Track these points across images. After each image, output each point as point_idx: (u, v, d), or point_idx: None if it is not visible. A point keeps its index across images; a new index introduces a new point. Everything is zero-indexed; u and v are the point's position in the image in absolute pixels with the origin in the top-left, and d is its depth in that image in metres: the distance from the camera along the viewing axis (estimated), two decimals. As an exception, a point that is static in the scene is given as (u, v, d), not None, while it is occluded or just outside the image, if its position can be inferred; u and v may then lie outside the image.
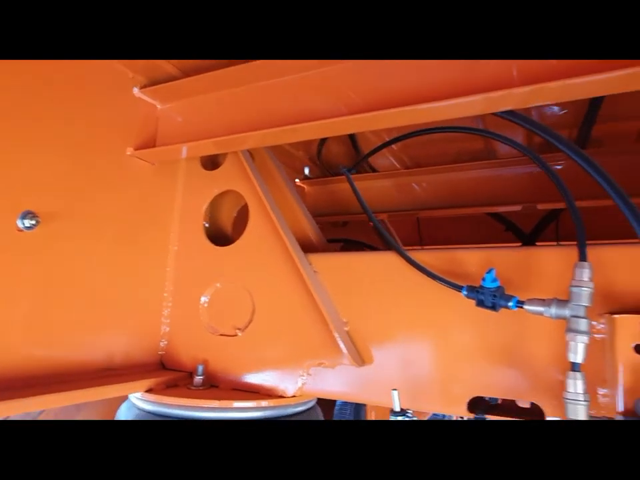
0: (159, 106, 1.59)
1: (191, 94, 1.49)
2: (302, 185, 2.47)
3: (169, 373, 1.53)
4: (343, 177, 2.39)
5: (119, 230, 1.45)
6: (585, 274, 0.98)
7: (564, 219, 2.37)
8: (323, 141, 2.10)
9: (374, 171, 2.45)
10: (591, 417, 0.93)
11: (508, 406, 1.26)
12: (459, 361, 1.21)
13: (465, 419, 1.60)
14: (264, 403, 1.36)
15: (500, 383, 1.16)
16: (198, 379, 1.45)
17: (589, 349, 1.07)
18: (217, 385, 1.48)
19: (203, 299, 1.57)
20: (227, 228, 1.79)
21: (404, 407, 1.22)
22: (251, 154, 1.74)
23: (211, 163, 1.72)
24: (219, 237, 1.73)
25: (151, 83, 1.51)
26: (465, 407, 1.18)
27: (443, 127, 1.44)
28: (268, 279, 1.47)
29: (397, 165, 2.43)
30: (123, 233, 1.47)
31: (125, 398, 1.49)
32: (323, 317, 1.34)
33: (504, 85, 0.95)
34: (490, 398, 1.28)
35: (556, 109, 2.01)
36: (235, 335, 1.50)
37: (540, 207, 2.10)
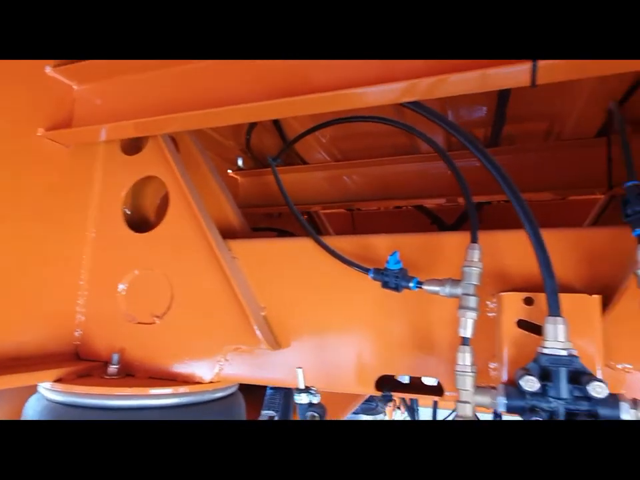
0: (75, 87, 1.54)
1: (111, 75, 1.45)
2: (235, 176, 2.46)
3: (83, 362, 1.48)
4: (279, 168, 2.43)
5: (30, 215, 1.38)
6: (475, 255, 1.05)
7: (488, 212, 2.52)
8: (250, 130, 2.10)
9: (304, 162, 2.48)
10: (478, 387, 0.99)
11: (416, 384, 1.32)
12: (368, 342, 1.25)
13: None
14: (181, 389, 1.35)
15: (405, 362, 1.22)
16: (112, 368, 1.41)
17: (483, 326, 1.15)
18: (133, 374, 1.45)
19: (120, 286, 1.53)
20: (150, 215, 1.75)
21: (319, 389, 1.26)
22: (175, 141, 1.72)
23: (132, 147, 1.67)
24: (142, 224, 1.68)
25: (65, 61, 1.45)
26: (373, 386, 1.23)
27: (364, 117, 1.47)
28: (186, 266, 1.46)
29: (328, 159, 2.47)
30: (35, 218, 1.40)
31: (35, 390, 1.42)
32: (240, 303, 1.34)
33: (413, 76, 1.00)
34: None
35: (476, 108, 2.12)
36: (153, 323, 1.47)
37: (461, 200, 2.21)
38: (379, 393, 1.24)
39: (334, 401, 2.65)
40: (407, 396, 1.30)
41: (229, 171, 2.42)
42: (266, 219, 2.67)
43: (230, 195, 1.68)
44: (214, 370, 1.38)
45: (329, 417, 2.78)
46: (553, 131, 1.99)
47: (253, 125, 2.07)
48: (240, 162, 2.48)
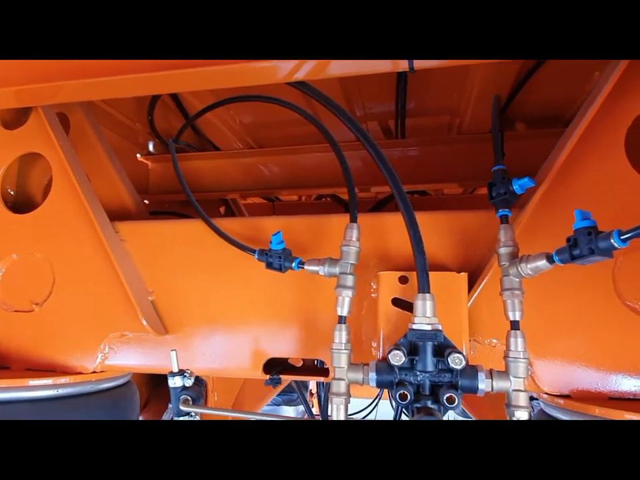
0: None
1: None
2: (145, 161, 2.34)
3: (-52, 356, 1.34)
4: (189, 154, 2.35)
5: None
6: (354, 234, 1.06)
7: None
8: (151, 110, 2.01)
9: (217, 149, 2.42)
10: (352, 364, 1.01)
11: (308, 366, 1.33)
12: (256, 325, 1.24)
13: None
14: (62, 380, 1.26)
15: (292, 344, 1.21)
16: (-18, 359, 1.29)
17: (369, 307, 1.17)
18: (9, 366, 1.34)
19: (-5, 272, 1.40)
20: (37, 196, 1.62)
21: (209, 374, 1.22)
22: (67, 117, 1.60)
23: (14, 121, 1.53)
24: (28, 205, 1.55)
25: None
26: (261, 369, 1.22)
27: (266, 97, 1.44)
28: (70, 249, 1.36)
29: (242, 147, 2.42)
30: None
31: None
32: (125, 289, 1.27)
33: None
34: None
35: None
36: (32, 311, 1.36)
37: (373, 189, 2.25)
38: (266, 377, 1.22)
39: (251, 390, 2.63)
40: (295, 378, 1.30)
41: (138, 155, 2.30)
42: (180, 206, 2.58)
43: (126, 177, 1.59)
44: (97, 359, 1.30)
45: (247, 409, 2.74)
46: (454, 125, 2.08)
47: (153, 104, 1.98)
48: (151, 146, 2.37)
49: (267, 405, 3.41)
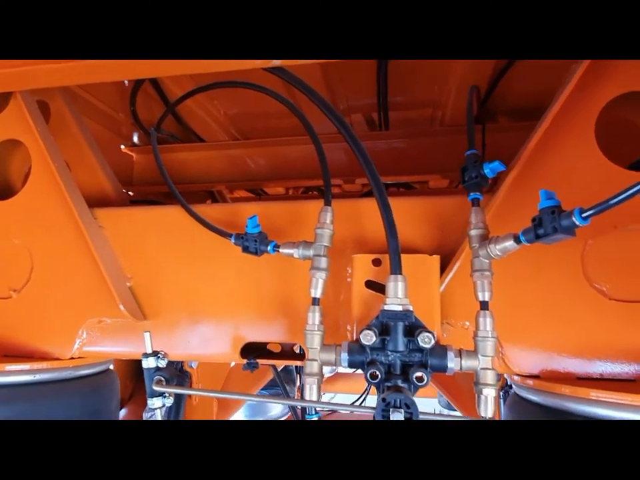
0: None
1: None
2: (129, 153, 2.34)
3: None
4: (173, 145, 2.35)
5: None
6: (328, 217, 1.07)
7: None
8: (133, 100, 2.00)
9: (202, 140, 2.42)
10: (325, 345, 1.02)
11: (286, 352, 1.34)
12: (232, 309, 1.24)
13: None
14: (38, 366, 1.26)
15: (271, 329, 1.22)
16: (-41, 346, 1.29)
17: (346, 292, 1.18)
18: (-14, 353, 1.33)
19: (-27, 259, 1.40)
20: (17, 184, 1.61)
21: (189, 359, 1.23)
22: (47, 105, 1.60)
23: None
24: (7, 192, 1.55)
25: None
26: (238, 353, 1.23)
27: (242, 82, 1.44)
28: (48, 235, 1.36)
29: (227, 138, 2.43)
30: None
31: None
32: (103, 275, 1.28)
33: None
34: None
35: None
36: (10, 297, 1.36)
37: (358, 181, 2.26)
38: (243, 360, 1.23)
39: (235, 383, 2.63)
40: (271, 362, 1.31)
41: (122, 147, 2.29)
42: (164, 197, 2.57)
43: (107, 165, 1.59)
44: (75, 345, 1.30)
45: (232, 402, 2.73)
46: (436, 117, 2.10)
47: (134, 93, 1.97)
48: (135, 138, 2.36)
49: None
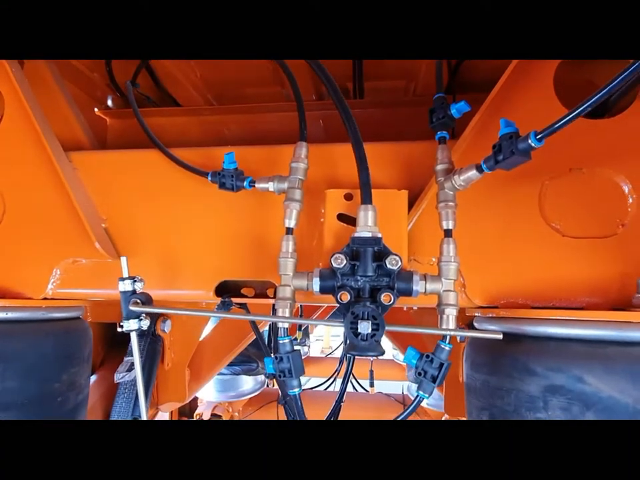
0: None
1: None
2: (103, 117, 2.31)
3: None
4: (151, 110, 2.33)
5: None
6: (303, 152, 1.12)
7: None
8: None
9: (178, 104, 2.41)
10: (297, 272, 1.06)
11: (259, 294, 1.37)
12: (208, 248, 1.27)
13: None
14: (10, 304, 1.26)
15: (244, 266, 1.26)
16: None
17: (317, 236, 1.22)
18: (-44, 294, 1.32)
19: (-59, 201, 1.38)
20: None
21: (163, 298, 1.25)
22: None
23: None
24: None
25: None
26: (213, 291, 1.26)
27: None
28: (22, 178, 1.35)
29: (202, 102, 2.43)
30: None
31: None
32: (78, 215, 1.28)
33: None
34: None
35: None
36: (-19, 239, 1.35)
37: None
38: (218, 299, 1.26)
39: (208, 353, 2.64)
40: (244, 301, 1.35)
41: (95, 110, 2.27)
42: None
43: (79, 113, 1.59)
44: (49, 285, 1.30)
45: (205, 371, 2.72)
46: (410, 88, 2.17)
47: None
48: (110, 101, 2.33)
49: (226, 375, 3.43)
